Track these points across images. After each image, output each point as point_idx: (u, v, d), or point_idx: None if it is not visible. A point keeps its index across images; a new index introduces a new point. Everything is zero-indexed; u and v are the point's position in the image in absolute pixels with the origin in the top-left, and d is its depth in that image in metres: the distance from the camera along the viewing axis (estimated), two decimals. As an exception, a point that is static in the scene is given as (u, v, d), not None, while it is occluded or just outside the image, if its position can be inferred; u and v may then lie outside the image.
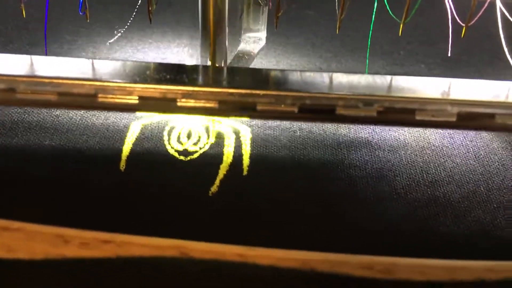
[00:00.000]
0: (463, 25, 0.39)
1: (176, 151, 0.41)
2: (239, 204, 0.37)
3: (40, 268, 0.32)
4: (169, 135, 0.42)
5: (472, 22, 0.38)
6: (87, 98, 0.33)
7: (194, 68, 0.37)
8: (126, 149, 0.41)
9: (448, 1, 0.39)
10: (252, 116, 0.36)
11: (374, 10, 0.39)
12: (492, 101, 0.34)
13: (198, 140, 0.42)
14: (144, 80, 0.34)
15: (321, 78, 0.36)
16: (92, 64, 0.36)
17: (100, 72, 0.34)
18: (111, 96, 0.33)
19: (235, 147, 0.41)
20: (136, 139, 0.42)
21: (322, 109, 0.34)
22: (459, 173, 0.41)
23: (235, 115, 0.35)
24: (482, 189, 0.40)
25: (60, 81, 0.33)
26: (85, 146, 0.40)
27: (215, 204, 0.37)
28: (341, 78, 0.36)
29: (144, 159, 0.40)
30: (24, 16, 0.38)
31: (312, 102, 0.33)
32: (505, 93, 0.35)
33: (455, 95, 0.34)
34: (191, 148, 0.41)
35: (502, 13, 0.38)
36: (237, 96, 0.34)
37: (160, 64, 0.36)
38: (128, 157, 0.40)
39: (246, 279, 0.32)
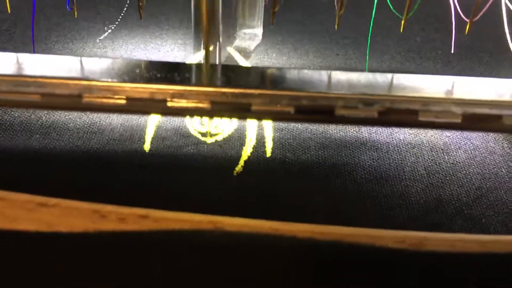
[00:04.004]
0: (467, 20, 0.38)
1: (199, 133, 0.42)
2: (264, 184, 0.38)
3: (80, 241, 0.33)
4: (191, 117, 0.43)
5: (477, 17, 0.37)
6: (71, 98, 0.31)
7: (187, 66, 0.35)
8: (150, 131, 0.41)
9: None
10: (246, 117, 0.35)
11: (374, 7, 0.39)
12: (499, 101, 0.32)
13: (221, 123, 0.43)
14: (133, 79, 0.32)
15: (319, 77, 0.34)
16: (80, 61, 0.34)
17: (87, 70, 0.33)
18: (96, 96, 0.31)
19: (257, 130, 0.42)
20: (159, 121, 0.42)
21: (320, 109, 0.32)
22: (480, 155, 0.41)
23: (229, 116, 0.34)
24: (503, 171, 0.40)
25: (44, 80, 0.31)
26: (109, 128, 0.41)
27: (240, 183, 0.38)
28: (340, 76, 0.34)
29: (168, 140, 0.41)
30: (9, 11, 0.37)
31: (309, 103, 0.32)
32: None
33: (460, 94, 0.33)
34: (213, 130, 0.42)
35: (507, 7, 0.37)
36: (231, 96, 0.32)
37: (151, 62, 0.35)
38: (153, 138, 0.41)
39: (284, 250, 0.33)
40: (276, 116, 0.33)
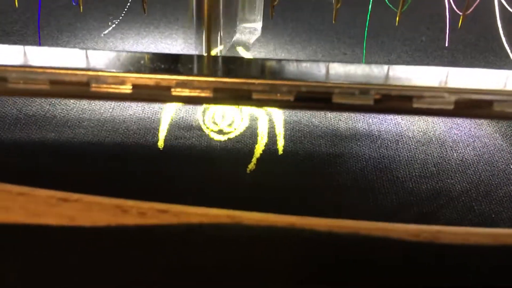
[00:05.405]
0: (460, 13, 0.39)
1: (211, 131, 0.42)
2: (277, 181, 0.39)
3: (103, 234, 0.33)
4: (203, 116, 0.43)
5: (470, 10, 0.38)
6: (79, 87, 0.32)
7: (189, 57, 0.37)
8: (163, 128, 0.42)
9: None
10: (247, 105, 0.36)
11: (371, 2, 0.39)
12: (490, 89, 0.33)
13: (233, 121, 0.43)
14: (138, 70, 0.33)
15: (318, 68, 0.35)
16: (86, 54, 0.35)
17: (93, 62, 0.34)
18: (104, 85, 0.32)
19: (269, 128, 0.43)
20: (171, 119, 0.43)
21: (318, 97, 0.33)
22: (488, 152, 0.42)
23: (230, 104, 0.35)
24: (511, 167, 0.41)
25: (52, 70, 0.32)
26: (123, 127, 0.42)
27: (254, 180, 0.39)
28: (338, 68, 0.35)
29: (181, 139, 0.41)
30: (16, 5, 0.38)
31: (308, 90, 0.33)
32: (503, 82, 0.35)
33: (453, 83, 0.34)
34: (226, 129, 0.43)
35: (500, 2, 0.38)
36: (232, 84, 0.33)
37: (155, 54, 0.36)
38: (166, 136, 0.41)
39: (301, 242, 0.33)
40: (276, 104, 0.34)
